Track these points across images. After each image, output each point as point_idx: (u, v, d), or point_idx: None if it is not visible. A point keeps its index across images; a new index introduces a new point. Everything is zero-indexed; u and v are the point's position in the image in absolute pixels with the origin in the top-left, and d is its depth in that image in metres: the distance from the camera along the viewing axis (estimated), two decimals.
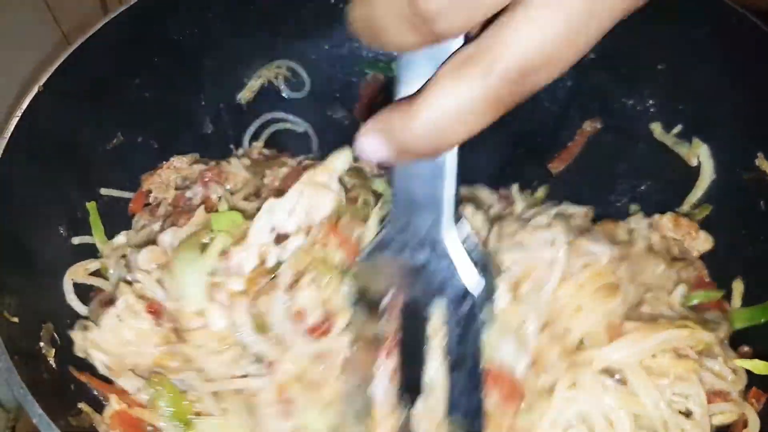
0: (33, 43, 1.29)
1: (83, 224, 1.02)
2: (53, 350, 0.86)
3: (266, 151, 1.21)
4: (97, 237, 1.03)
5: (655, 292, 0.90)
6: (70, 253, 0.98)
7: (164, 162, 1.12)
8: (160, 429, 0.84)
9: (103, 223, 1.04)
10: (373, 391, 0.78)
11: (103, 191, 1.06)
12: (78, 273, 0.97)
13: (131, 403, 0.85)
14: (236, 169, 1.08)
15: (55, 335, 0.88)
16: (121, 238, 1.05)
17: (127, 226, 1.08)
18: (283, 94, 1.24)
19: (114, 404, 0.85)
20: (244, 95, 1.22)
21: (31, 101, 0.93)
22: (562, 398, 0.79)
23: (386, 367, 0.77)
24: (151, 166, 1.12)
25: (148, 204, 1.10)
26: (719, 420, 0.84)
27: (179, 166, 1.12)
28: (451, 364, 0.72)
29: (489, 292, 0.73)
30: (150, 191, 1.10)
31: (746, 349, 0.92)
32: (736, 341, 0.93)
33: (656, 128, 1.10)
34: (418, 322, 0.72)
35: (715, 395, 0.82)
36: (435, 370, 0.75)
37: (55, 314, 0.91)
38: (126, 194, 1.09)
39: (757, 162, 0.97)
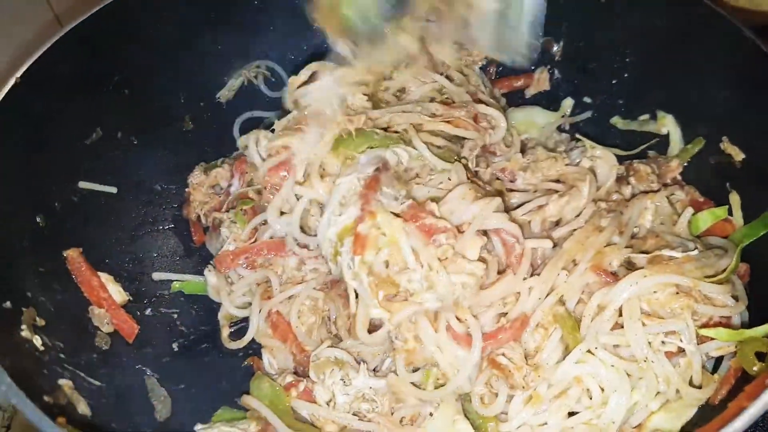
0: (23, 21, 1.29)
1: (60, 215, 1.01)
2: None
3: None
4: None
5: (664, 222, 0.95)
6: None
7: (185, 189, 1.17)
8: None
9: (84, 216, 1.04)
10: None
11: (82, 184, 1.06)
12: None
13: None
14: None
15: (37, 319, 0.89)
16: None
17: (107, 222, 1.09)
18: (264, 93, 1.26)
19: None
20: (224, 94, 1.24)
21: (7, 92, 0.93)
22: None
23: None
24: (132, 163, 1.14)
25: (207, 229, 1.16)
26: (716, 353, 0.85)
27: (200, 180, 1.16)
28: None
29: None
30: (198, 216, 1.16)
31: (744, 268, 0.92)
32: None
33: (617, 121, 1.15)
34: None
35: (715, 324, 0.84)
36: None
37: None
38: (105, 188, 1.08)
39: (722, 146, 0.99)
